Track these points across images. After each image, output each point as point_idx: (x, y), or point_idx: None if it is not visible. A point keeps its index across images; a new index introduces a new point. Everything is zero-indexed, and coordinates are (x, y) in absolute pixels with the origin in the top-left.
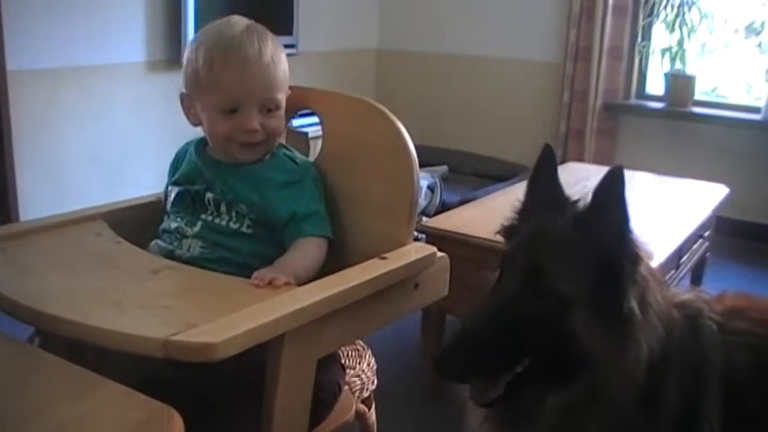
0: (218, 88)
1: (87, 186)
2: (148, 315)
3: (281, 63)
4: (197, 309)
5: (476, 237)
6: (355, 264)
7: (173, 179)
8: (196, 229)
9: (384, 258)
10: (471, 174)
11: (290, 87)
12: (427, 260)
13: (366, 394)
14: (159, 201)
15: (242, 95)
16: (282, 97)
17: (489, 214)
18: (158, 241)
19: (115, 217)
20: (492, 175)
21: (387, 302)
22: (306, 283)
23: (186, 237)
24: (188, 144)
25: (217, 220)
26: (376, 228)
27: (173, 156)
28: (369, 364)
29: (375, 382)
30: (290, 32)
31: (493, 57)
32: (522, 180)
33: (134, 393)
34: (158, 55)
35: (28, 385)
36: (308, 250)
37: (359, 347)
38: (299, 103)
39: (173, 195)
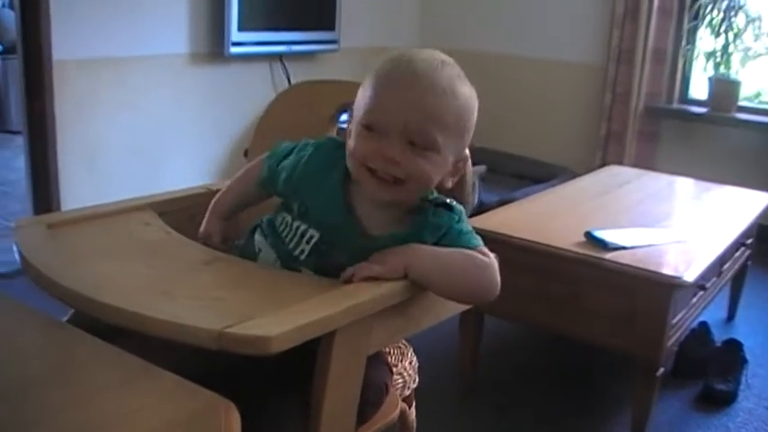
0: (369, 99)
1: (126, 176)
2: (201, 306)
3: (455, 100)
4: (250, 301)
5: (517, 237)
6: None
7: (298, 204)
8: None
9: None
10: (509, 174)
11: (334, 82)
12: None
13: (407, 392)
14: (208, 192)
15: (387, 115)
16: (443, 140)
17: (530, 216)
18: (273, 254)
19: (163, 207)
20: (530, 175)
21: (436, 301)
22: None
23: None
24: (324, 152)
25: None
26: None
27: (212, 148)
28: (410, 363)
29: (416, 380)
30: (332, 28)
31: (534, 57)
32: (562, 181)
33: (187, 383)
34: (201, 48)
35: (73, 371)
36: (453, 254)
37: (401, 345)
38: (346, 97)
39: (303, 233)
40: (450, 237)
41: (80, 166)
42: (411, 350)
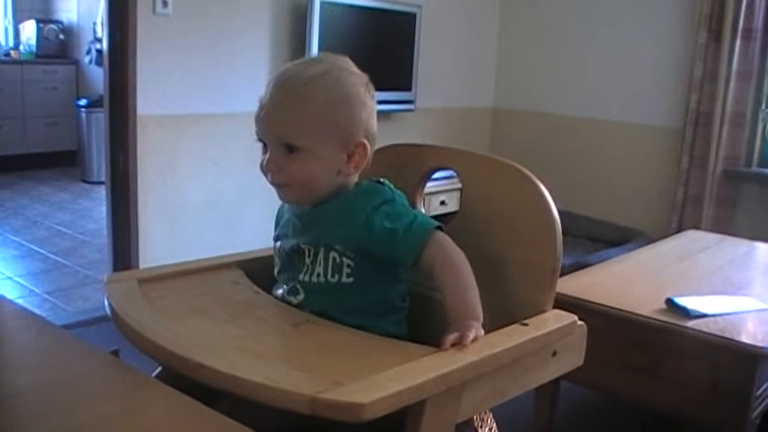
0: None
1: (203, 229)
2: (292, 369)
3: (318, 101)
4: (342, 365)
5: (597, 303)
6: (493, 327)
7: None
8: (300, 297)
9: (525, 325)
10: (583, 237)
11: (425, 146)
12: (567, 328)
13: None
14: None
15: (260, 126)
16: (311, 141)
17: (610, 281)
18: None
19: (250, 266)
20: (605, 239)
21: (525, 369)
22: None
23: (293, 306)
24: None
25: (315, 279)
26: (515, 292)
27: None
28: (490, 429)
29: None
30: (408, 89)
31: (610, 120)
32: (638, 245)
33: None
34: None
35: None
36: (452, 268)
37: (481, 411)
38: (436, 162)
39: (275, 255)
40: (397, 219)
41: (159, 219)
42: (491, 416)
